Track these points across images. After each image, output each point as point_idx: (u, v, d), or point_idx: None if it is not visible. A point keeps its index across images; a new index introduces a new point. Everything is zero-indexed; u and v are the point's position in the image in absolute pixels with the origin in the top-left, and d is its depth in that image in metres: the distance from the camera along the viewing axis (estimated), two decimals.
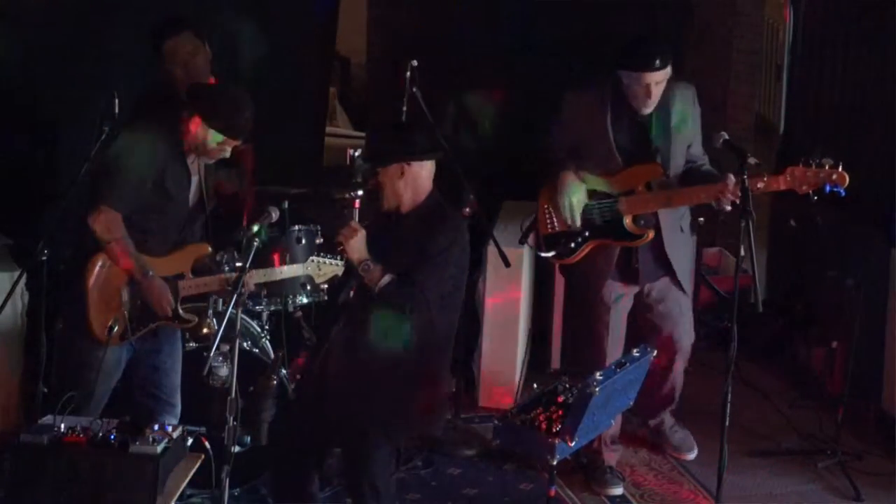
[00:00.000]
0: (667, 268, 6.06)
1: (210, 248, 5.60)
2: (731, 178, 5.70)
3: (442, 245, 5.15)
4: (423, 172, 5.21)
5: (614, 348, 6.12)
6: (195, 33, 6.06)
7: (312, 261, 5.69)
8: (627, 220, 5.98)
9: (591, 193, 5.99)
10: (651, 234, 5.95)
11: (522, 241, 6.39)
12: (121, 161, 5.36)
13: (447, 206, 5.29)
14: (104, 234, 5.37)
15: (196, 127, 5.37)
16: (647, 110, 5.86)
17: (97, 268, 5.42)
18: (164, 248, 5.50)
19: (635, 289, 6.15)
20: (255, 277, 5.55)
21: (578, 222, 5.98)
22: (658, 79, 5.76)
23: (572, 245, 6.06)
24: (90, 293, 5.42)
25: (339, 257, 5.54)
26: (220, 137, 5.38)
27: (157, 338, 5.61)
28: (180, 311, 5.54)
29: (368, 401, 5.15)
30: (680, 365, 6.32)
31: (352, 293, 5.28)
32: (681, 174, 5.98)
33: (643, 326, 6.25)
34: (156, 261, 5.46)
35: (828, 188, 5.66)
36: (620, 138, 5.92)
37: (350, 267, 5.28)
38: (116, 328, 5.44)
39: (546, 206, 6.12)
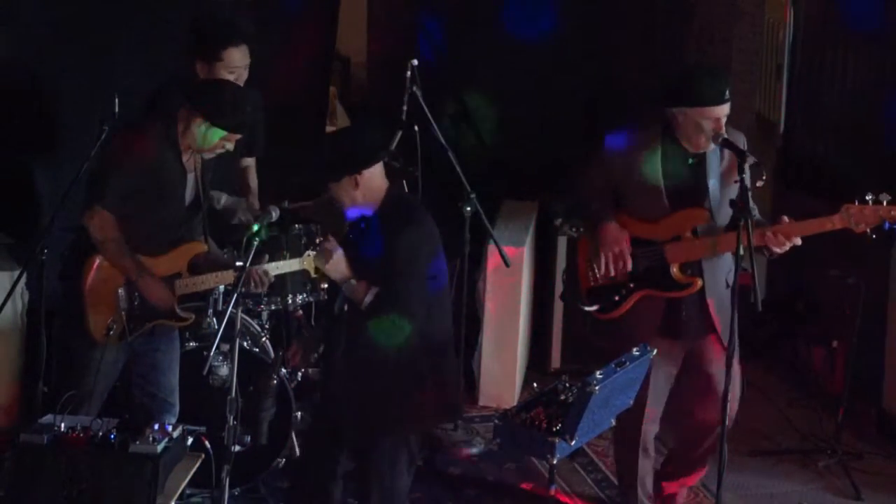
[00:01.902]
0: (710, 324, 5.71)
1: (206, 247, 5.60)
2: (785, 219, 5.54)
3: (408, 248, 5.06)
4: (375, 173, 5.12)
5: (654, 410, 5.87)
6: (250, 50, 6.05)
7: (308, 255, 5.69)
8: (674, 269, 5.68)
9: (634, 241, 5.72)
10: (699, 283, 5.65)
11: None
12: (115, 161, 5.36)
13: (409, 201, 5.22)
14: (98, 234, 5.37)
15: (199, 125, 5.36)
16: (711, 147, 5.57)
17: (94, 268, 5.42)
18: (160, 247, 5.49)
19: (681, 347, 5.81)
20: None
21: (628, 269, 5.70)
22: (727, 111, 5.51)
23: (616, 298, 5.76)
24: (87, 294, 5.43)
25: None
26: (222, 133, 5.37)
27: (155, 337, 5.60)
28: (177, 309, 5.54)
29: (373, 406, 5.14)
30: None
31: (346, 307, 5.25)
32: (729, 222, 5.65)
33: (689, 389, 5.91)
34: (152, 260, 5.46)
35: (887, 225, 5.45)
36: (669, 181, 5.64)
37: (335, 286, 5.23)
38: (114, 328, 5.44)
39: (587, 259, 5.83)
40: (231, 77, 5.93)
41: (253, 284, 5.52)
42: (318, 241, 6.04)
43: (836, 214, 5.52)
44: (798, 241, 5.55)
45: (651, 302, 5.74)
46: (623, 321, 5.79)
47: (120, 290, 5.45)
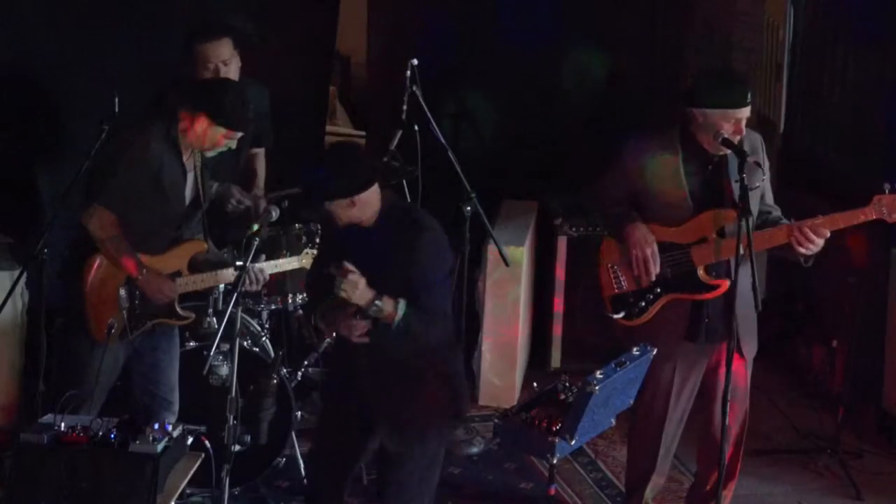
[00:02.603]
0: (730, 326, 5.54)
1: (206, 246, 5.60)
2: (820, 216, 5.48)
3: (428, 258, 4.98)
4: (371, 194, 4.98)
5: (677, 414, 5.83)
6: (233, 42, 6.05)
7: (307, 253, 5.65)
8: (700, 271, 5.59)
9: (659, 246, 5.62)
10: (727, 284, 5.58)
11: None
12: (115, 160, 5.35)
13: (409, 208, 5.14)
14: (99, 232, 5.36)
15: (201, 124, 5.36)
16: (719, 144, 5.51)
17: (95, 268, 5.42)
18: (160, 246, 5.50)
19: (705, 351, 5.74)
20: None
21: (658, 272, 5.61)
22: (748, 113, 5.48)
23: (643, 303, 5.68)
24: (89, 293, 5.43)
25: None
26: (224, 131, 5.37)
27: (155, 335, 5.61)
28: (178, 308, 5.54)
29: (414, 407, 5.08)
30: (738, 431, 5.86)
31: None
32: (756, 225, 5.57)
33: (709, 391, 5.82)
34: (152, 259, 5.46)
35: None
36: (692, 183, 5.58)
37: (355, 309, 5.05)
38: (115, 327, 5.45)
39: (609, 266, 5.76)
40: (206, 72, 5.98)
41: (248, 282, 5.50)
42: (317, 240, 6.06)
43: (868, 206, 5.46)
44: (827, 234, 5.49)
45: (677, 306, 5.68)
46: (648, 326, 5.71)
47: (121, 290, 5.45)
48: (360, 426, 5.19)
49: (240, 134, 5.43)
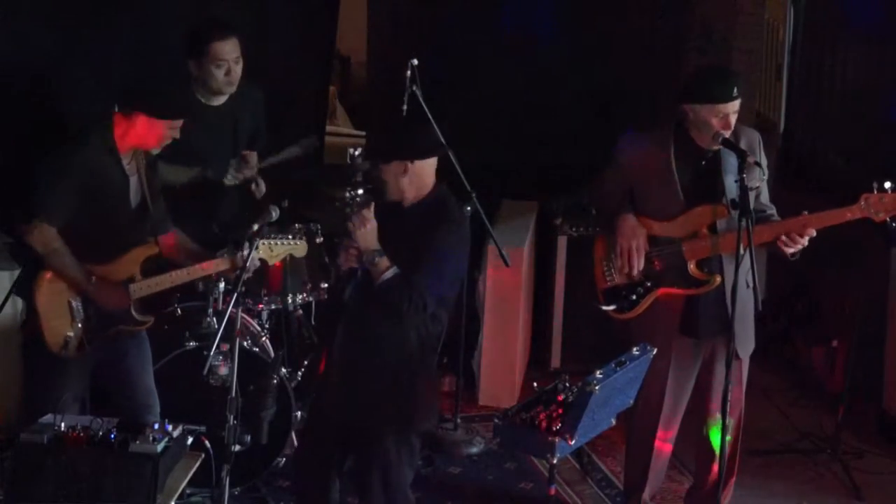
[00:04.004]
0: (725, 324, 5.55)
1: (157, 248, 5.55)
2: (805, 214, 5.53)
3: (443, 244, 5.06)
4: (426, 168, 5.13)
5: (673, 409, 5.86)
6: (240, 41, 6.10)
7: (264, 243, 5.57)
8: (692, 266, 5.64)
9: (651, 239, 5.69)
10: (718, 279, 5.61)
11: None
12: (50, 173, 5.34)
13: (453, 202, 5.20)
14: (41, 247, 5.33)
15: (141, 123, 5.34)
16: (718, 145, 5.57)
17: (46, 282, 5.39)
18: (109, 254, 5.45)
19: (701, 346, 5.78)
20: (220, 265, 5.51)
21: (641, 266, 5.66)
22: (736, 108, 5.53)
23: (634, 297, 5.73)
24: (41, 308, 5.39)
25: (292, 236, 5.51)
26: (164, 122, 5.36)
27: (123, 342, 5.57)
28: (134, 313, 5.51)
29: (375, 403, 5.12)
30: (735, 431, 5.89)
31: (353, 294, 5.21)
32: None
33: (705, 388, 5.86)
34: (104, 267, 5.42)
35: None
36: (684, 178, 5.62)
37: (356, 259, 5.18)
38: (71, 340, 5.41)
39: (602, 259, 5.82)
40: (220, 70, 6.05)
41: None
42: (318, 240, 6.05)
43: (855, 205, 5.50)
44: (813, 233, 5.53)
45: (670, 300, 5.71)
46: (642, 320, 5.76)
47: (73, 302, 5.41)
48: (338, 424, 5.21)
49: (181, 121, 5.41)
